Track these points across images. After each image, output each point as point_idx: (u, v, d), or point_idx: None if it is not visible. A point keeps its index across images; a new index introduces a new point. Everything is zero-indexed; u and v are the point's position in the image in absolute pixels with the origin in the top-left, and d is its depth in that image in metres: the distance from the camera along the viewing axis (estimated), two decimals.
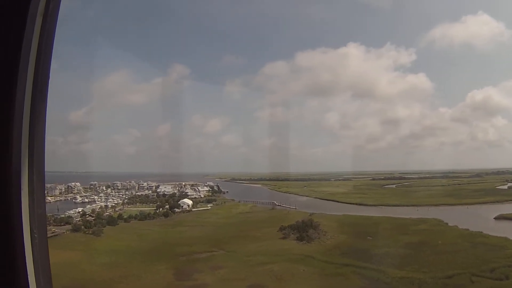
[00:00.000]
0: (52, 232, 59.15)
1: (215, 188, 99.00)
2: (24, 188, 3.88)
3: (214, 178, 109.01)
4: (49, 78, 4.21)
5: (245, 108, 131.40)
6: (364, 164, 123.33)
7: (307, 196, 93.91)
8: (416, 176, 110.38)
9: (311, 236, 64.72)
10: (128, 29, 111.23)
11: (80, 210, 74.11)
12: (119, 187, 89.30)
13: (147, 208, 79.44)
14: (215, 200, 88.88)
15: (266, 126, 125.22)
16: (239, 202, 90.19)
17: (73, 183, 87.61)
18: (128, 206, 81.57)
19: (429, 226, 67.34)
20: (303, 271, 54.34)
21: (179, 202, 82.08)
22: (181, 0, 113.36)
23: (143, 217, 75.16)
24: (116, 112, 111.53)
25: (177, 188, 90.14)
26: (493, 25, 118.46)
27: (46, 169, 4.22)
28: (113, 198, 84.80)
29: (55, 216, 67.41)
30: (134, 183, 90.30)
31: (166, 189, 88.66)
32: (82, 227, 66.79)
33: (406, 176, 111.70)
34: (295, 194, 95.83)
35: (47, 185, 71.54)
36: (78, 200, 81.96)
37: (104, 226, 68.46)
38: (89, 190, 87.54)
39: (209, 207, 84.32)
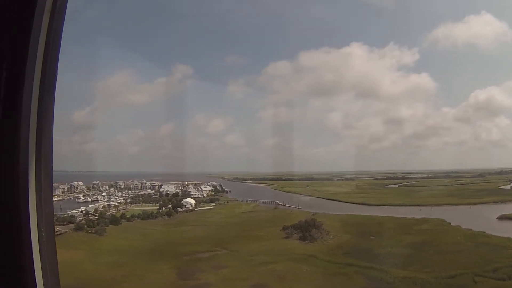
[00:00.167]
0: (55, 231, 59.23)
1: (218, 187, 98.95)
2: (32, 186, 3.85)
3: (217, 178, 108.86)
4: (56, 76, 4.18)
5: (248, 108, 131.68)
6: (367, 163, 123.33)
7: (310, 195, 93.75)
8: (419, 176, 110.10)
9: (314, 236, 64.70)
10: (130, 28, 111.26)
11: (83, 209, 74.19)
12: (122, 187, 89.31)
13: (150, 208, 79.48)
14: (218, 200, 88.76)
15: (269, 126, 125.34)
16: (242, 201, 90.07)
17: (76, 183, 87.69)
18: (131, 206, 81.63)
19: (432, 226, 67.25)
20: (306, 271, 54.34)
21: (182, 202, 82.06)
22: (183, 0, 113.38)
23: (146, 216, 75.20)
24: (119, 111, 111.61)
25: (180, 188, 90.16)
26: (496, 25, 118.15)
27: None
28: (116, 197, 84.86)
29: (58, 215, 67.45)
30: (137, 183, 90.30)
31: (169, 188, 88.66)
32: (85, 226, 66.85)
33: (409, 176, 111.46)
34: (298, 193, 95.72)
35: None
36: (81, 199, 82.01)
37: (107, 226, 68.56)
38: (92, 190, 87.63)
39: (212, 207, 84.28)
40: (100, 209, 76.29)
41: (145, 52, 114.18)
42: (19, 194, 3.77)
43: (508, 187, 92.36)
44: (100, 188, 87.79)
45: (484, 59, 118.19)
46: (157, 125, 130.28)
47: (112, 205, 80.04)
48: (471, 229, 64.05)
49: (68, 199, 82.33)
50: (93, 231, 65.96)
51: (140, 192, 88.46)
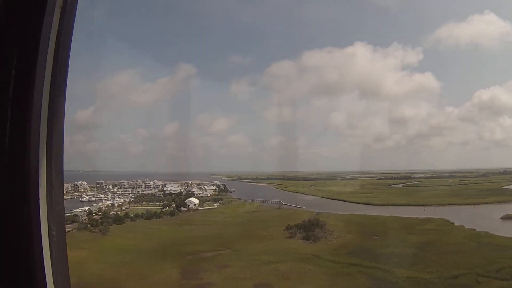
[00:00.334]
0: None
1: (222, 187, 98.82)
2: (42, 184, 3.83)
3: (221, 177, 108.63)
4: (67, 72, 4.17)
5: (251, 107, 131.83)
6: (371, 163, 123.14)
7: (313, 195, 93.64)
8: (423, 175, 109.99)
9: (317, 236, 64.68)
10: (133, 28, 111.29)
11: (86, 208, 74.32)
12: (125, 186, 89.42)
13: (154, 207, 79.57)
14: (221, 199, 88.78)
15: (272, 126, 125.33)
16: (245, 201, 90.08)
17: (79, 182, 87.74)
18: (135, 205, 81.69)
19: (436, 226, 67.19)
20: (309, 271, 54.34)
21: (185, 201, 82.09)
22: (188, 0, 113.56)
23: (149, 216, 75.33)
24: (123, 111, 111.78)
25: (184, 187, 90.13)
26: (499, 24, 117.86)
27: None
28: (119, 197, 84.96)
29: None
30: (141, 182, 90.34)
31: (173, 188, 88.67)
32: (89, 225, 66.94)
33: (412, 176, 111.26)
34: (301, 193, 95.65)
35: None
36: (84, 198, 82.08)
37: (111, 225, 68.64)
38: (95, 189, 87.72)
39: (216, 206, 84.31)
40: (103, 208, 76.44)
41: (149, 52, 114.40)
42: (30, 193, 3.74)
43: None
44: (104, 187, 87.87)
45: (487, 58, 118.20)
46: (161, 124, 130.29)
47: (116, 205, 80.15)
48: (474, 229, 64.01)
49: (71, 198, 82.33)
50: (96, 230, 66.01)
51: (144, 192, 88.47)
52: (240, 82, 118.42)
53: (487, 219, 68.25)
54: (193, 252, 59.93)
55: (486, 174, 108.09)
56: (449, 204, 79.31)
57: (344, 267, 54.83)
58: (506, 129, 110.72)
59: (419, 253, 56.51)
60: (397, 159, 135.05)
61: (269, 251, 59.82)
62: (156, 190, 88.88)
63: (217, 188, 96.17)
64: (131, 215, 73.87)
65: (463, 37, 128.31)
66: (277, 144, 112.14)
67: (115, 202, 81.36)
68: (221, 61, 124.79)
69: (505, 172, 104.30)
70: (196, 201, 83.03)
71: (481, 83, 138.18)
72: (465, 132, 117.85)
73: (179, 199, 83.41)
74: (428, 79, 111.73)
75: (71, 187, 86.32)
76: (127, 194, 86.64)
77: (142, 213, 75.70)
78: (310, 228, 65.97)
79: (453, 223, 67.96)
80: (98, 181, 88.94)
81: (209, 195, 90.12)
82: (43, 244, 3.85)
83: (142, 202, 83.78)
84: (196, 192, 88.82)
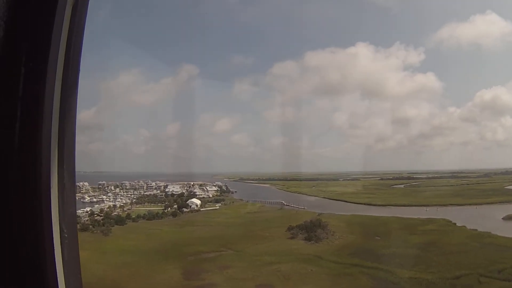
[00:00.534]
0: None
1: (224, 188, 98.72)
2: (54, 186, 3.79)
3: (223, 178, 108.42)
4: (79, 72, 4.11)
5: (254, 107, 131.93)
6: (373, 164, 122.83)
7: (315, 196, 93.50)
8: (425, 176, 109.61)
9: (319, 236, 64.68)
10: (136, 28, 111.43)
11: (88, 209, 74.25)
12: (127, 187, 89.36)
13: (156, 208, 79.54)
14: (223, 200, 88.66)
15: (274, 126, 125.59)
16: (247, 202, 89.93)
17: (81, 183, 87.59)
18: (137, 206, 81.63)
19: (438, 227, 67.13)
20: (311, 271, 54.36)
21: (187, 202, 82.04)
22: (190, 0, 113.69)
23: (151, 216, 75.29)
24: (125, 111, 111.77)
25: (186, 188, 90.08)
26: (501, 24, 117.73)
27: None
28: (121, 197, 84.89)
29: None
30: (143, 183, 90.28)
31: (175, 188, 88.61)
32: (90, 226, 66.93)
33: (414, 176, 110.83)
34: (303, 194, 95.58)
35: None
36: (86, 199, 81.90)
37: (113, 226, 68.67)
38: (97, 190, 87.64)
39: (218, 207, 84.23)
40: (105, 209, 76.36)
41: (151, 53, 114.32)
42: (41, 194, 3.71)
43: None
44: (106, 188, 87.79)
45: (489, 58, 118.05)
46: (163, 125, 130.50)
47: (118, 206, 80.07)
48: (476, 230, 63.92)
49: None
50: (98, 231, 66.04)
51: (146, 193, 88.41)
52: (243, 82, 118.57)
53: (489, 219, 68.12)
54: (195, 253, 59.99)
55: (488, 175, 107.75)
56: (451, 204, 79.12)
57: (346, 267, 54.84)
58: (508, 129, 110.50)
59: (421, 253, 56.47)
60: (399, 160, 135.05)
61: (271, 252, 59.84)
62: (158, 191, 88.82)
63: (219, 189, 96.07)
64: (133, 216, 73.87)
65: (465, 37, 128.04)
66: (279, 144, 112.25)
67: (117, 203, 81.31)
68: (223, 61, 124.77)
69: (507, 172, 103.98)
70: (198, 202, 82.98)
71: (483, 83, 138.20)
72: (467, 133, 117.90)
73: (181, 200, 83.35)
74: (430, 79, 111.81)
75: None
76: (129, 195, 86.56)
77: (144, 214, 75.68)
78: (312, 229, 65.95)
79: (455, 224, 67.88)
80: (100, 182, 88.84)
81: (211, 196, 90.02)
82: (55, 246, 3.81)
83: (144, 203, 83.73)
84: (198, 193, 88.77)
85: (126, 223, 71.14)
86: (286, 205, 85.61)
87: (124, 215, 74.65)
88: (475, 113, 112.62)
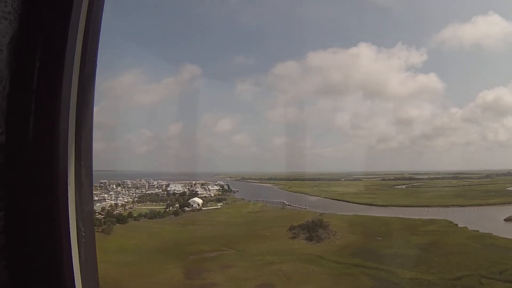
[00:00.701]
0: None
1: (225, 187, 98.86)
2: (71, 183, 3.74)
3: (224, 177, 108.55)
4: (96, 65, 4.03)
5: (255, 107, 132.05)
6: (374, 164, 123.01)
7: (317, 196, 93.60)
8: (426, 176, 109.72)
9: (320, 236, 64.73)
10: (138, 28, 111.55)
11: None
12: (129, 186, 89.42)
13: (157, 207, 79.67)
14: (225, 199, 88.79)
15: (276, 126, 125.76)
16: (249, 201, 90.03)
17: None
18: (138, 205, 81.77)
19: (439, 227, 67.14)
20: (312, 271, 54.38)
21: (189, 201, 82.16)
22: (192, 1, 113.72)
23: (153, 215, 75.42)
24: (127, 111, 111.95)
25: (187, 187, 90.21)
26: (503, 25, 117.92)
27: None
28: (123, 196, 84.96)
29: None
30: (144, 182, 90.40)
31: (176, 187, 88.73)
32: None
33: (416, 177, 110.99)
34: (305, 194, 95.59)
35: None
36: None
37: (114, 224, 68.66)
38: (99, 189, 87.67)
39: (219, 206, 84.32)
40: (107, 208, 76.44)
41: (154, 53, 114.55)
42: (59, 191, 3.66)
43: None
44: (108, 187, 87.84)
45: (491, 59, 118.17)
46: (165, 124, 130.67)
47: (119, 204, 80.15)
48: (478, 231, 63.93)
49: None
50: (100, 230, 66.02)
51: (148, 191, 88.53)
52: (244, 82, 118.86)
53: (490, 220, 68.12)
54: (196, 252, 60.01)
55: (490, 175, 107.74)
56: (452, 205, 79.14)
57: (348, 268, 54.88)
58: (509, 130, 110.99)
59: (422, 254, 56.45)
60: (401, 160, 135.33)
61: (273, 252, 59.88)
62: (160, 190, 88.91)
63: (220, 188, 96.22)
64: (135, 215, 73.97)
65: (467, 38, 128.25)
66: (281, 144, 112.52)
67: (118, 201, 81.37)
68: (225, 61, 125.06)
69: (508, 174, 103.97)
70: (200, 201, 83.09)
71: (485, 84, 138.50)
72: (469, 133, 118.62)
73: (183, 199, 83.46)
74: (432, 80, 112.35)
75: None
76: (131, 194, 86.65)
77: (146, 213, 75.80)
78: (313, 229, 66.00)
79: (456, 224, 67.93)
80: (102, 181, 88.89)
81: (212, 195, 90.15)
82: (72, 245, 3.75)
83: (146, 202, 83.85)
84: (199, 192, 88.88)
85: (128, 222, 71.17)
86: (288, 205, 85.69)
87: (125, 213, 74.70)
88: (477, 113, 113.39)
